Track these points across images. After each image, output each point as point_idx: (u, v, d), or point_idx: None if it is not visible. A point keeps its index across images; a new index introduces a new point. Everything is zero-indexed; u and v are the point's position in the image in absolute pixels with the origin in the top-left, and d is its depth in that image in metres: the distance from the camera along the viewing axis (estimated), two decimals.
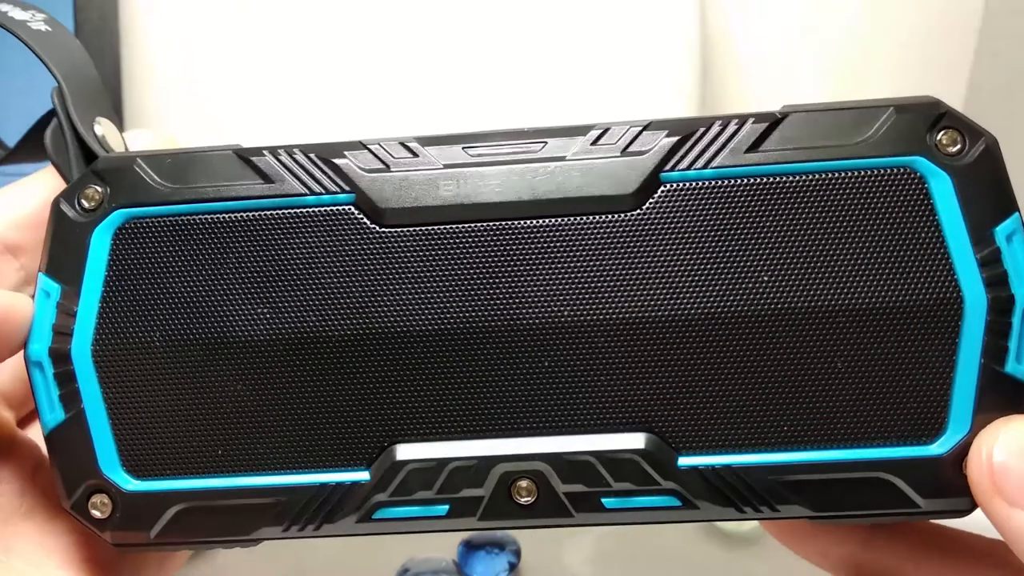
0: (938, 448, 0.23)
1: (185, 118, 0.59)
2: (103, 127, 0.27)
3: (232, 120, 0.58)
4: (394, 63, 0.57)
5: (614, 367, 0.23)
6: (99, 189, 0.24)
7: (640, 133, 0.23)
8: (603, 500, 0.23)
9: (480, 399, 0.24)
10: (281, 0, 0.58)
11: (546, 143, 0.24)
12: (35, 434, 0.28)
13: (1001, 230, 0.22)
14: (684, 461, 0.23)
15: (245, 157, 0.24)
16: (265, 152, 0.24)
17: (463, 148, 0.24)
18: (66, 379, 0.24)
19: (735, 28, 0.59)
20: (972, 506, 0.22)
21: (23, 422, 0.28)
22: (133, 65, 0.61)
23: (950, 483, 0.22)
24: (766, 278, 0.23)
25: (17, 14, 0.28)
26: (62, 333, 0.24)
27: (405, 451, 0.24)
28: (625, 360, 0.23)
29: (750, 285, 0.23)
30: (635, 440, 0.23)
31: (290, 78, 0.58)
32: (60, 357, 0.24)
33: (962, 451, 0.22)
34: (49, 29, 0.28)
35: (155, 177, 0.24)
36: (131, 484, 0.24)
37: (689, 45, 0.57)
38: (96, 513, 0.24)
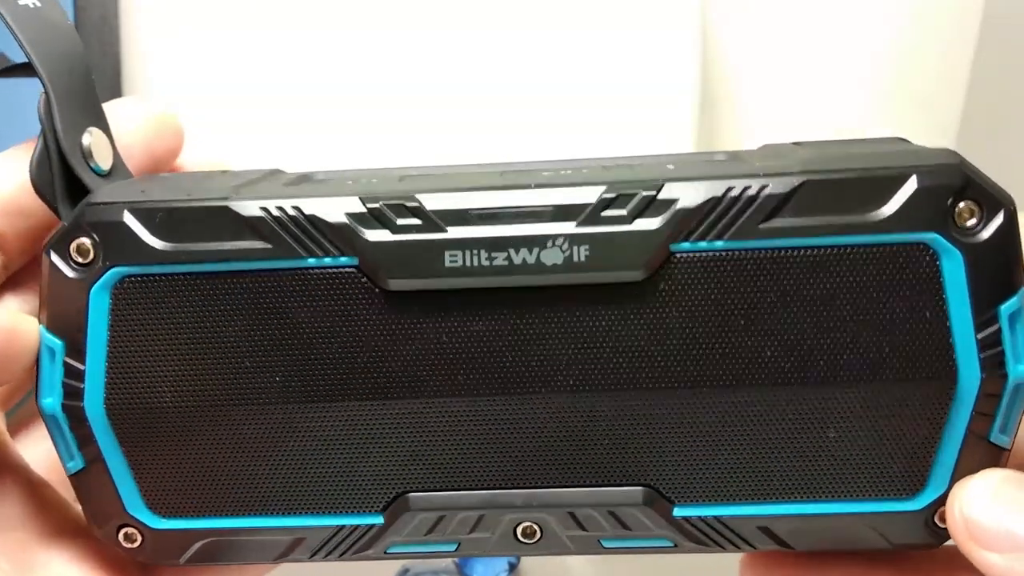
0: (916, 504, 0.23)
1: (185, 118, 0.59)
2: (92, 136, 0.24)
3: (233, 121, 0.58)
4: (396, 66, 0.57)
5: (616, 430, 0.24)
6: (89, 242, 0.23)
7: (651, 202, 0.22)
8: (601, 541, 0.24)
9: (488, 455, 0.24)
10: (282, 1, 0.58)
11: (552, 208, 0.23)
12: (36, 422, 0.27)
13: (1005, 309, 0.22)
14: (679, 512, 0.24)
15: (240, 215, 0.23)
16: (260, 211, 0.23)
17: (469, 211, 0.23)
18: (82, 433, 0.24)
19: (735, 28, 0.59)
20: (939, 544, 0.23)
21: (19, 427, 0.28)
22: (133, 65, 0.61)
23: (924, 531, 0.23)
24: (769, 353, 0.23)
25: None
26: (72, 390, 0.23)
27: (417, 501, 0.24)
28: (627, 424, 0.24)
29: (752, 359, 0.23)
30: (634, 495, 0.24)
31: (291, 79, 0.58)
32: (74, 414, 0.24)
33: (938, 504, 0.23)
34: (38, 4, 0.25)
35: (147, 234, 0.23)
36: (158, 523, 0.25)
37: (688, 43, 0.57)
38: (126, 543, 0.25)
